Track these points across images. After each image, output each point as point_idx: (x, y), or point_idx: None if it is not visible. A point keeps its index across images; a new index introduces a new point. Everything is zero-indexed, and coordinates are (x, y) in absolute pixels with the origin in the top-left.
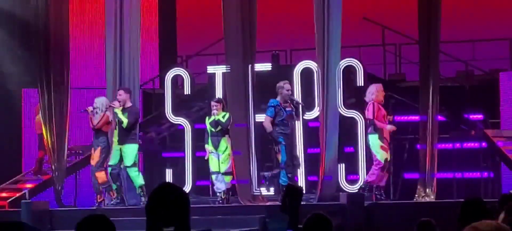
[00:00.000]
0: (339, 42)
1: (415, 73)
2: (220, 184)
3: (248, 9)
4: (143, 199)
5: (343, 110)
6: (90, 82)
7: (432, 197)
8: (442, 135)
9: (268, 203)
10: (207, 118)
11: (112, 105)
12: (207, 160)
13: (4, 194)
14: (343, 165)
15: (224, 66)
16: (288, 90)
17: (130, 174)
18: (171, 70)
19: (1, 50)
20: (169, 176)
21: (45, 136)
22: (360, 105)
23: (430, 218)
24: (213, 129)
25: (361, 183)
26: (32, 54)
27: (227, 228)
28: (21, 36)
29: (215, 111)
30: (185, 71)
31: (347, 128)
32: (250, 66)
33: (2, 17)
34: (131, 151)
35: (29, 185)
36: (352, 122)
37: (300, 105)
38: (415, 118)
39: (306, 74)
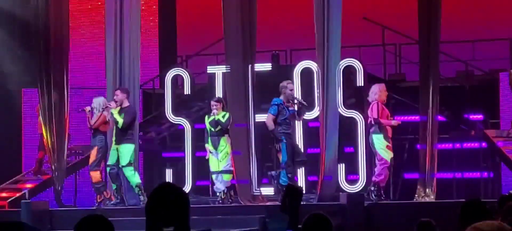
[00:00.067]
0: (339, 42)
1: (415, 73)
2: (220, 184)
3: (248, 9)
4: (141, 197)
5: (343, 110)
6: (90, 82)
7: (432, 197)
8: (442, 135)
9: (268, 203)
10: (206, 117)
11: (108, 105)
12: (208, 159)
13: (4, 194)
14: (343, 165)
15: (224, 66)
16: (291, 90)
17: (126, 173)
18: (171, 70)
19: (1, 50)
20: (169, 176)
21: (44, 136)
22: (360, 105)
23: (430, 219)
24: (212, 129)
25: (371, 186)
26: (32, 54)
27: (227, 228)
28: (21, 36)
29: (215, 111)
30: (185, 71)
31: (347, 128)
32: (250, 66)
33: (2, 17)
34: (127, 151)
35: (29, 185)
36: (352, 121)
37: (303, 105)
38: (415, 118)
39: (306, 74)
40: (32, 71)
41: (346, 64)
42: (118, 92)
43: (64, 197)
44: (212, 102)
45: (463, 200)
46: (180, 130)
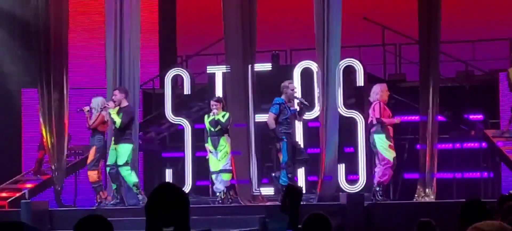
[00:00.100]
0: (339, 42)
1: (415, 73)
2: (220, 184)
3: (248, 9)
4: (140, 196)
5: (343, 110)
6: (90, 82)
7: (432, 197)
8: (442, 135)
9: (268, 203)
10: (206, 116)
11: (106, 105)
12: (208, 159)
13: (4, 194)
14: (343, 165)
15: (224, 66)
16: (293, 90)
17: (122, 173)
18: (171, 70)
19: (1, 50)
20: (169, 176)
21: (44, 136)
22: (360, 105)
23: (430, 219)
24: (212, 129)
25: (375, 186)
26: (32, 54)
27: (227, 228)
28: (21, 36)
29: (215, 110)
30: (185, 71)
31: (347, 128)
32: (250, 66)
33: (2, 17)
34: (124, 151)
35: (29, 185)
36: (352, 121)
37: (305, 105)
38: (415, 118)
39: (306, 74)
40: (32, 71)
41: (346, 64)
42: (116, 92)
43: (64, 197)
44: (212, 102)
45: (463, 200)
46: (180, 130)
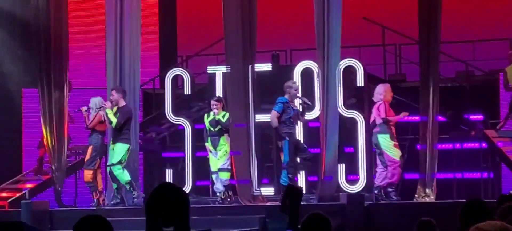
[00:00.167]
0: (339, 42)
1: (415, 73)
2: (220, 184)
3: (248, 9)
4: (134, 193)
5: (343, 110)
6: (90, 83)
7: (432, 197)
8: (442, 135)
9: (268, 203)
10: (206, 115)
11: (103, 105)
12: (209, 159)
13: (4, 194)
14: (343, 165)
15: (224, 66)
16: (296, 90)
17: (114, 172)
18: (171, 70)
19: (1, 50)
20: (169, 176)
21: (45, 135)
22: (360, 105)
23: (430, 218)
24: (212, 128)
25: (387, 188)
26: (32, 54)
27: (227, 228)
28: (21, 36)
29: (215, 110)
30: (185, 71)
31: (347, 128)
32: (250, 66)
33: (2, 17)
34: (119, 150)
35: (29, 185)
36: (352, 122)
37: (308, 105)
38: (415, 118)
39: (306, 74)
40: (32, 71)
41: (346, 64)
42: (113, 92)
43: (64, 197)
44: (212, 102)
45: (463, 200)
46: (180, 130)
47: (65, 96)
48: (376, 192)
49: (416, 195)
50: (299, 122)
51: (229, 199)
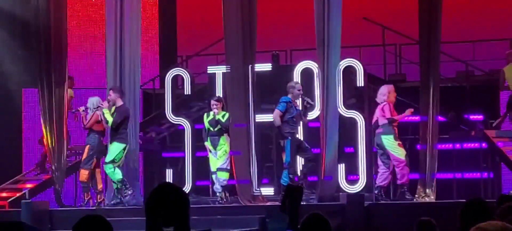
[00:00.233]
0: (339, 42)
1: (415, 73)
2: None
3: (248, 9)
4: (128, 191)
5: (343, 110)
6: (90, 83)
7: (432, 197)
8: (442, 135)
9: (268, 203)
10: (205, 115)
11: (100, 105)
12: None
13: (4, 194)
14: (343, 165)
15: (224, 66)
16: (299, 90)
17: (106, 171)
18: (171, 70)
19: (1, 50)
20: (169, 176)
21: (45, 135)
22: (360, 106)
23: (430, 218)
24: (212, 128)
25: (399, 189)
26: (32, 54)
27: (227, 228)
28: (21, 36)
29: (215, 110)
30: (185, 71)
31: (347, 128)
32: (250, 66)
33: (2, 17)
34: (114, 149)
35: (29, 185)
36: (352, 122)
37: (311, 105)
38: (415, 118)
39: (306, 74)
40: (32, 71)
41: (346, 64)
42: (111, 92)
43: (64, 197)
44: (212, 102)
45: (463, 200)
46: (180, 130)
47: (65, 96)
48: (376, 192)
49: (416, 195)
50: (301, 122)
51: (225, 199)
